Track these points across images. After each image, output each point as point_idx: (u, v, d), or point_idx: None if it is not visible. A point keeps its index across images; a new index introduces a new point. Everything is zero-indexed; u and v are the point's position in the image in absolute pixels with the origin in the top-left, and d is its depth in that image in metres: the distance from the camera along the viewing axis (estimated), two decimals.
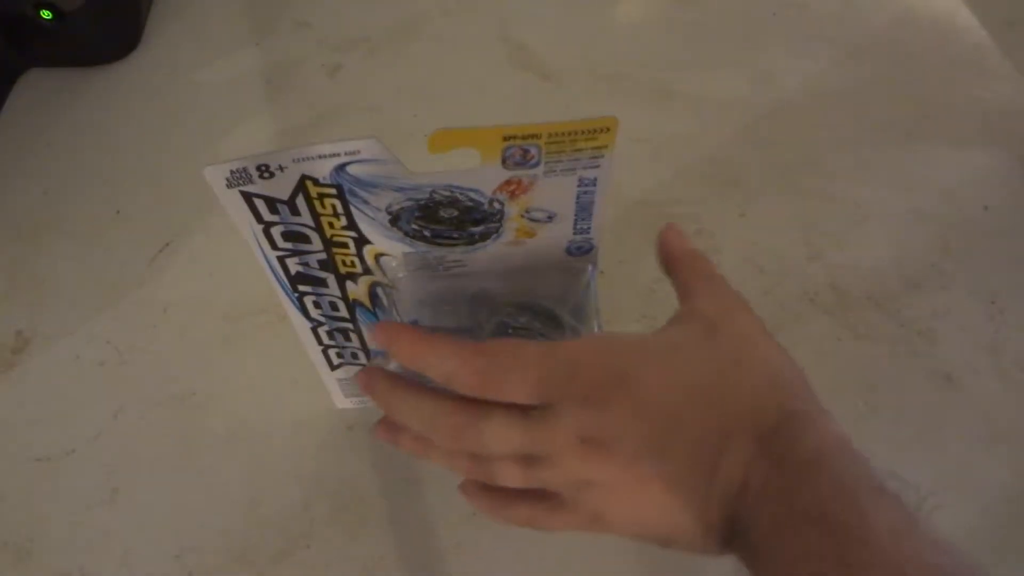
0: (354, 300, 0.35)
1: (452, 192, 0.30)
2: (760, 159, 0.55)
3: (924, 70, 0.60)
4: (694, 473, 0.26)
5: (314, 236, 0.32)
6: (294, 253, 0.33)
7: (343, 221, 0.31)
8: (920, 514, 0.23)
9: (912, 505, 0.23)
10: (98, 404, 0.46)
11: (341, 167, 0.29)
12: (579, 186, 0.30)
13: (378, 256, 0.33)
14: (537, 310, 0.34)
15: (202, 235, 0.53)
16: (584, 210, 0.31)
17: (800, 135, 0.57)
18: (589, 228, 0.32)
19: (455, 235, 0.31)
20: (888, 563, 0.21)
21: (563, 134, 0.28)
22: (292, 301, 0.36)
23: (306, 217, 0.31)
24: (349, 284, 0.35)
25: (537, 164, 0.29)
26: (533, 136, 0.29)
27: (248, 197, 0.30)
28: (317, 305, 0.36)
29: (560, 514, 0.28)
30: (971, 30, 0.62)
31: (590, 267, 0.34)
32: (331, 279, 0.34)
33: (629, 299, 0.48)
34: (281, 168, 0.28)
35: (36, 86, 0.62)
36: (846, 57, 0.61)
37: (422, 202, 0.30)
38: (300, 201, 0.30)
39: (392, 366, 0.31)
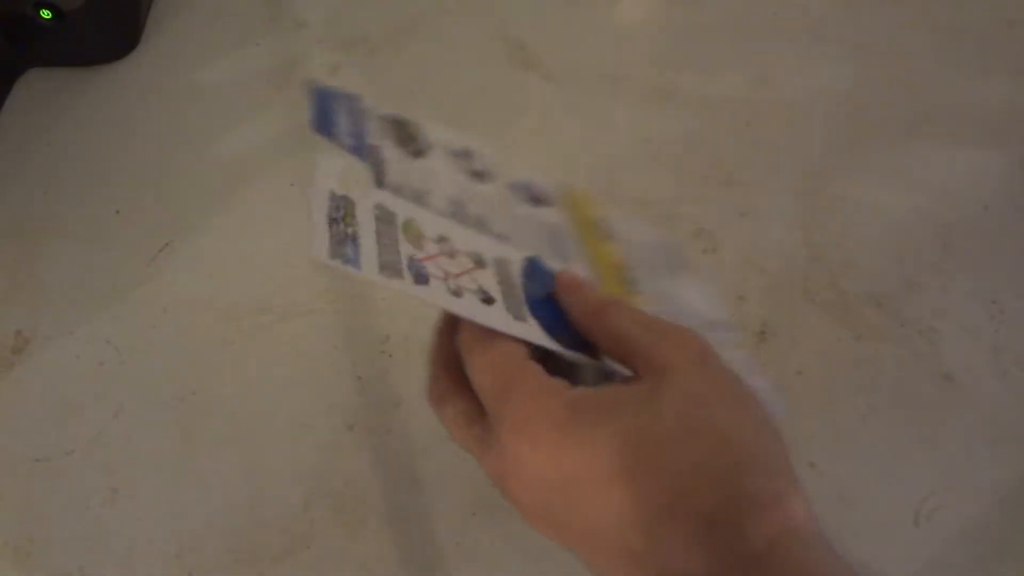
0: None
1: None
2: (760, 159, 0.55)
3: (924, 70, 0.60)
4: (609, 559, 0.23)
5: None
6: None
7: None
8: None
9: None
10: (98, 404, 0.46)
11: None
12: None
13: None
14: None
15: (202, 235, 0.53)
16: None
17: (800, 135, 0.57)
18: None
19: None
20: None
21: None
22: None
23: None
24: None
25: None
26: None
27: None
28: None
29: (484, 460, 0.27)
30: (971, 30, 0.62)
31: None
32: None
33: None
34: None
35: (36, 86, 0.62)
36: (846, 57, 0.61)
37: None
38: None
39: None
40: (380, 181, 0.32)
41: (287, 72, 0.62)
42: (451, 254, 0.32)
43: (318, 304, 0.49)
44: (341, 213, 0.31)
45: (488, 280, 0.31)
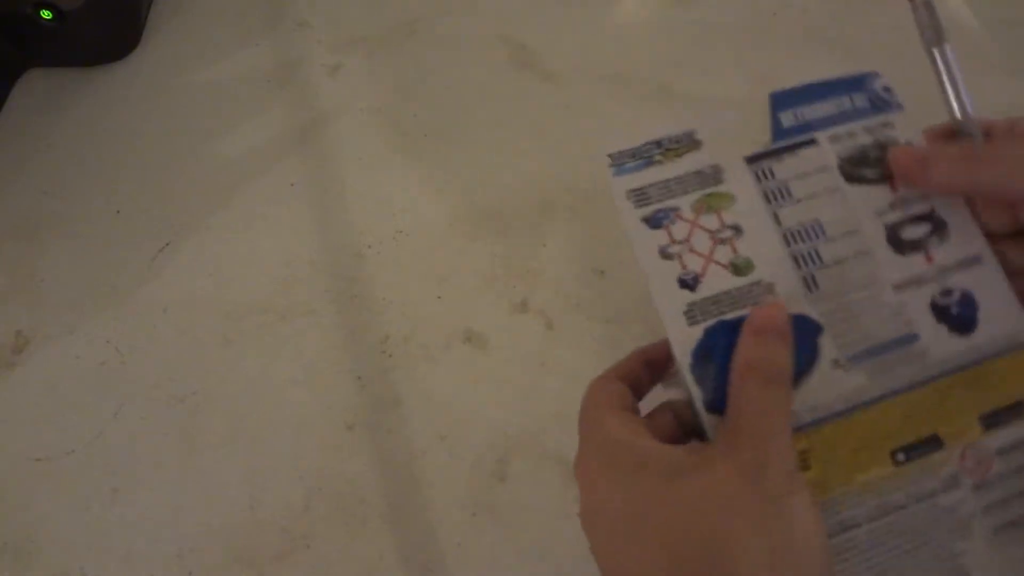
0: None
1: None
2: None
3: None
4: None
5: None
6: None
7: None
8: None
9: None
10: (98, 404, 0.46)
11: None
12: None
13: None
14: None
15: (202, 235, 0.53)
16: None
17: None
18: None
19: None
20: None
21: None
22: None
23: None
24: None
25: None
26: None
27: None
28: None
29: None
30: (971, 30, 0.62)
31: None
32: None
33: (630, 300, 0.49)
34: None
35: (36, 86, 0.62)
36: (846, 57, 0.61)
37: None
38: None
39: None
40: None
41: (287, 72, 0.62)
42: (720, 240, 0.30)
43: (318, 304, 0.49)
44: (679, 145, 0.32)
45: (716, 278, 0.29)
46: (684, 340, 0.29)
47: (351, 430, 0.45)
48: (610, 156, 0.32)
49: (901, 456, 0.28)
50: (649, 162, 0.32)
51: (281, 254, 0.51)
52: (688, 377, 0.28)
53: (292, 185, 0.54)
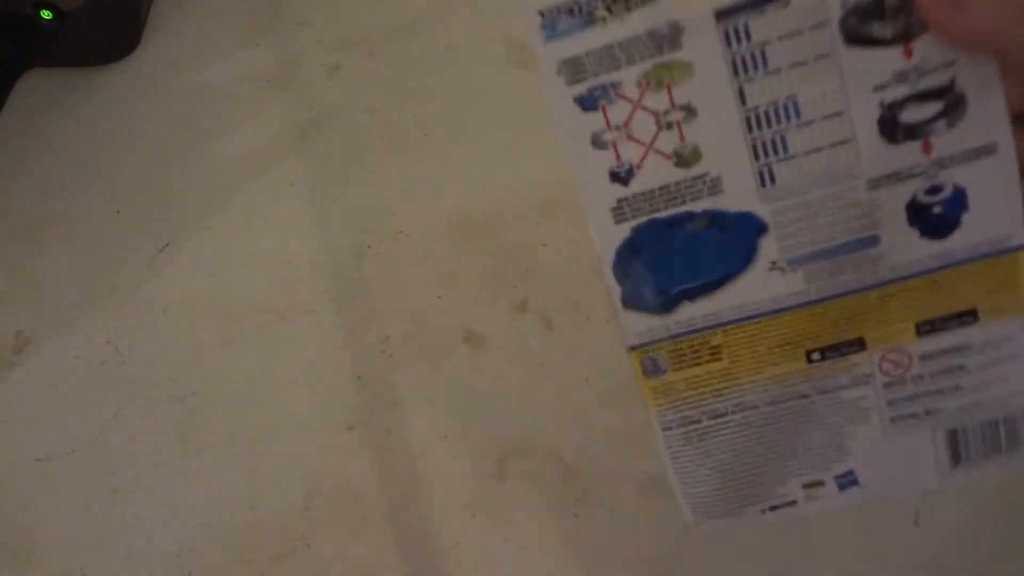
0: None
1: None
2: None
3: None
4: None
5: None
6: None
7: None
8: None
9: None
10: (98, 404, 0.46)
11: None
12: None
13: None
14: None
15: (202, 235, 0.53)
16: None
17: None
18: None
19: None
20: None
21: None
22: None
23: None
24: None
25: None
26: None
27: None
28: None
29: None
30: None
31: None
32: None
33: None
34: None
35: (36, 86, 0.62)
36: None
37: None
38: None
39: None
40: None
41: (287, 72, 0.62)
42: (666, 123, 0.25)
43: (318, 304, 0.49)
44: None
45: (654, 170, 0.26)
46: (608, 238, 0.27)
47: (351, 430, 0.45)
48: (540, 13, 0.25)
49: (816, 355, 0.27)
50: (590, 20, 0.25)
51: (281, 254, 0.51)
52: (608, 273, 0.27)
53: (292, 185, 0.54)
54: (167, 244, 0.53)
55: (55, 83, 0.62)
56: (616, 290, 0.27)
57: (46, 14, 0.57)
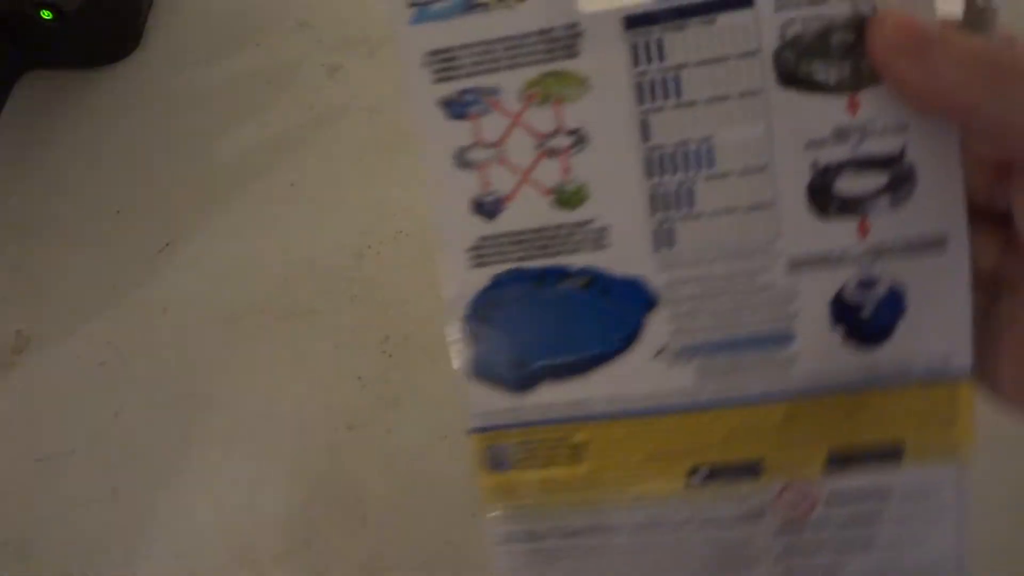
0: None
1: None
2: None
3: None
4: None
5: None
6: None
7: None
8: None
9: None
10: (98, 404, 0.46)
11: None
12: None
13: None
14: None
15: (202, 235, 0.53)
16: None
17: None
18: None
19: None
20: None
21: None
22: None
23: None
24: None
25: None
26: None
27: None
28: None
29: None
30: None
31: None
32: None
33: None
34: None
35: (36, 86, 0.62)
36: None
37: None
38: None
39: None
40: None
41: (287, 72, 0.62)
42: (550, 150, 0.21)
43: (318, 304, 0.49)
44: None
45: (529, 207, 0.21)
46: (461, 284, 0.22)
47: (351, 430, 0.45)
48: None
49: (700, 476, 0.22)
50: (471, 4, 0.20)
51: (281, 254, 0.51)
52: (457, 329, 0.22)
53: (292, 185, 0.54)
54: (167, 244, 0.53)
55: (55, 83, 0.62)
56: (463, 352, 0.22)
57: (46, 14, 0.57)
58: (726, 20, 0.19)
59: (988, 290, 0.21)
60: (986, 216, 0.20)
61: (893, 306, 0.20)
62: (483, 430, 0.23)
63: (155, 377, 0.47)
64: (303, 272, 0.50)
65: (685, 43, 0.19)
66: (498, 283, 0.22)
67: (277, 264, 0.51)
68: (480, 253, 0.22)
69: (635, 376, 0.21)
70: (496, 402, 0.22)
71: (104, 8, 0.59)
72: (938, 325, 0.20)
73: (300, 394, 0.46)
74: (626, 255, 0.21)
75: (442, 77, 0.21)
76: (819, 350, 0.21)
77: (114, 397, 0.47)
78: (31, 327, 0.50)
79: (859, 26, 0.19)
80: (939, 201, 0.20)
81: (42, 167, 0.57)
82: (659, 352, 0.21)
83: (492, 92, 0.20)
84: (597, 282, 0.21)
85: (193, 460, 0.44)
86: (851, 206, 0.20)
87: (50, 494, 0.44)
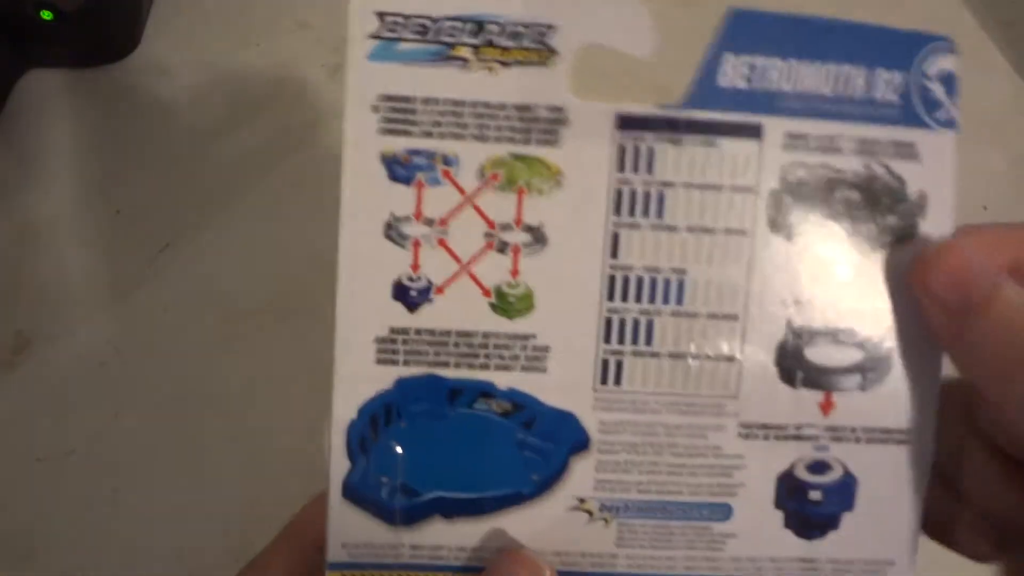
0: None
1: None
2: None
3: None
4: None
5: None
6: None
7: None
8: None
9: None
10: (98, 404, 0.46)
11: None
12: None
13: None
14: None
15: (202, 235, 0.53)
16: None
17: None
18: None
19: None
20: None
21: None
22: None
23: None
24: None
25: None
26: None
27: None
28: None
29: None
30: (971, 30, 0.62)
31: None
32: None
33: None
34: None
35: (36, 86, 0.62)
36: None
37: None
38: None
39: None
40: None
41: (287, 72, 0.62)
42: (500, 243, 0.18)
43: (318, 304, 0.49)
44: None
45: (461, 304, 0.18)
46: (356, 383, 0.20)
47: None
48: (380, 15, 0.17)
49: None
50: (445, 56, 0.17)
51: (281, 254, 0.51)
52: (339, 440, 0.19)
53: (292, 185, 0.54)
54: (167, 244, 0.53)
55: (55, 83, 0.62)
56: (339, 466, 0.19)
57: (46, 14, 0.57)
58: (729, 146, 0.18)
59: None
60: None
61: (843, 496, 0.19)
62: (348, 567, 0.19)
63: (155, 377, 0.47)
64: (303, 272, 0.50)
65: (678, 160, 0.18)
66: (403, 388, 0.19)
67: (277, 264, 0.51)
68: (389, 348, 0.19)
69: (546, 528, 0.18)
70: (371, 534, 0.19)
71: (104, 8, 0.59)
72: (885, 530, 0.19)
73: (300, 394, 0.46)
74: (563, 384, 0.18)
75: (392, 129, 0.18)
76: (757, 531, 0.18)
77: (114, 397, 0.47)
78: (31, 327, 0.50)
79: (867, 187, 0.18)
80: (911, 394, 0.18)
81: (42, 167, 0.57)
82: (579, 504, 0.18)
83: (447, 161, 0.18)
84: (523, 410, 0.18)
85: (193, 460, 0.44)
86: (819, 378, 0.18)
87: (50, 494, 0.44)
